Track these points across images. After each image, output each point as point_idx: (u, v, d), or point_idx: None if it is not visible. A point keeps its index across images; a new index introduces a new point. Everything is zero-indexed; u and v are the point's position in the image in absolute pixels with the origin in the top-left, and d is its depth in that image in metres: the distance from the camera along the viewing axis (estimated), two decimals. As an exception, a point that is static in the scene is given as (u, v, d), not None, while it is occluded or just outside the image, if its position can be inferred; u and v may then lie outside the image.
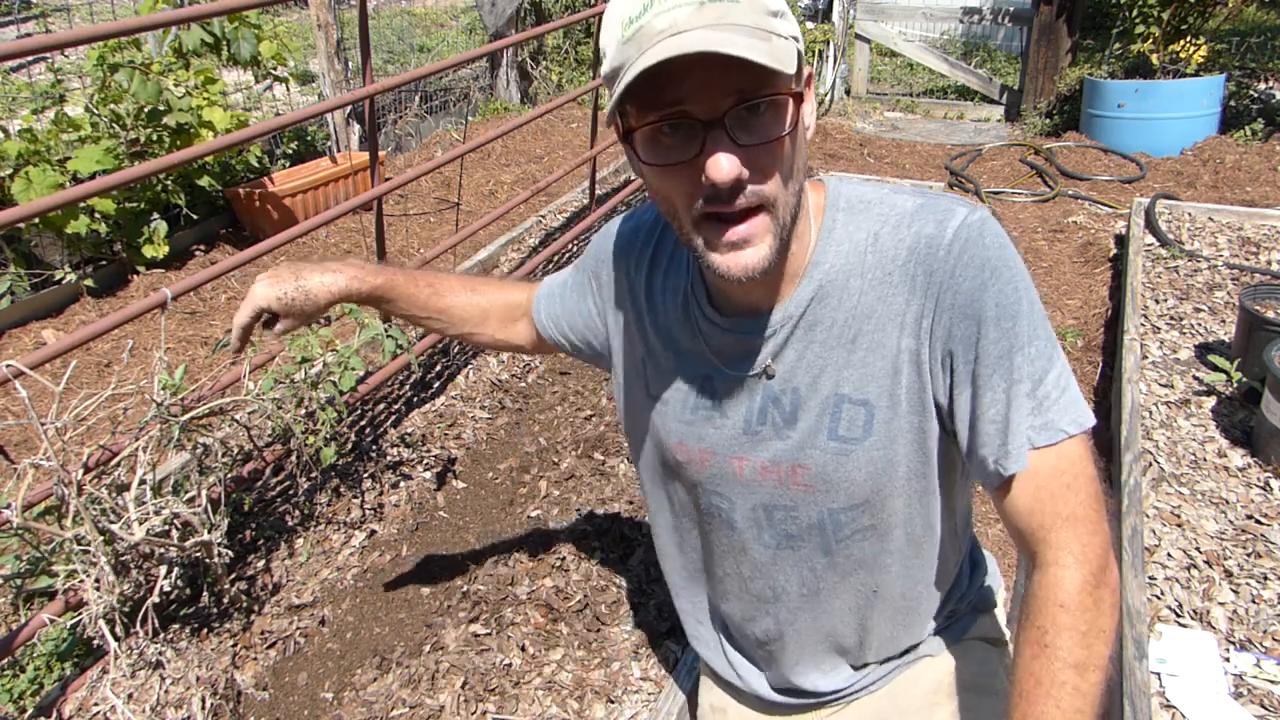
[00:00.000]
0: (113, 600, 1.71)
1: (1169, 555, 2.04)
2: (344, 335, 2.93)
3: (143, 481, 1.82)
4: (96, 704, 1.88)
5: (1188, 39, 5.18)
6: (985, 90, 6.68)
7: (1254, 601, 1.90)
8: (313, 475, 2.30)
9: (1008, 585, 2.17)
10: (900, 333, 0.96)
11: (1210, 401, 2.61)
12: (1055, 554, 0.89)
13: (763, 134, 0.83)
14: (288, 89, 5.53)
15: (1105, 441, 2.66)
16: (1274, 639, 1.81)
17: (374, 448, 2.70)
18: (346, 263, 1.28)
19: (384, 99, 6.01)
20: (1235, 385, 2.60)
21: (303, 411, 2.18)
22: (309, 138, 5.22)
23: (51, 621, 1.84)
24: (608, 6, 0.87)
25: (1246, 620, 1.86)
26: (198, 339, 3.56)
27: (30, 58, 5.32)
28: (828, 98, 6.67)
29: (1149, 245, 3.69)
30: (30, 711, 1.86)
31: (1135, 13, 5.23)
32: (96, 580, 1.70)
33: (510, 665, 1.92)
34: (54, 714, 1.86)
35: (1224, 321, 3.06)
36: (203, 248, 4.33)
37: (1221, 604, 1.90)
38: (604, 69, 0.87)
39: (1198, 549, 2.05)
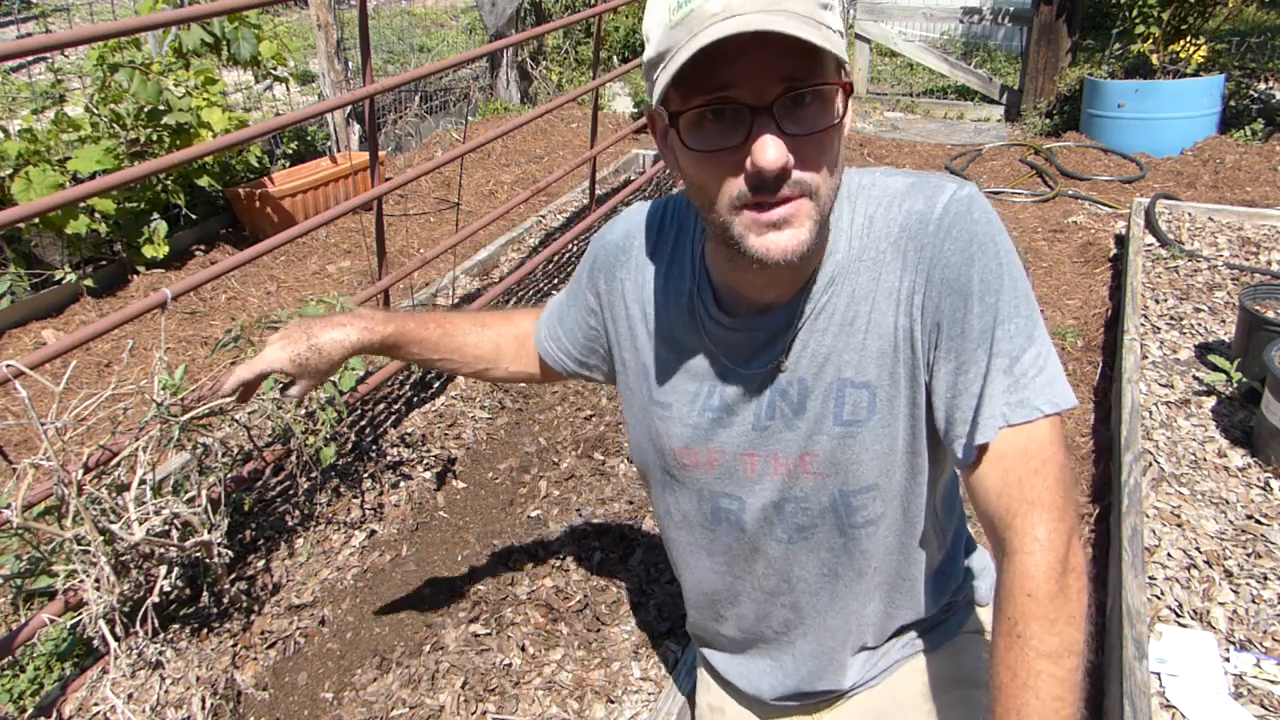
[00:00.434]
0: (113, 600, 1.71)
1: (1169, 555, 2.04)
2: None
3: (143, 481, 1.82)
4: (96, 704, 1.88)
5: (1188, 39, 5.18)
6: (985, 90, 6.68)
7: (1254, 601, 1.90)
8: (313, 475, 2.30)
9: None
10: (895, 311, 0.96)
11: (1210, 401, 2.61)
12: (1021, 540, 0.88)
13: (810, 124, 0.83)
14: (288, 89, 5.53)
15: (1105, 441, 2.66)
16: (1274, 639, 1.81)
17: (374, 448, 2.70)
18: (357, 314, 1.27)
19: (384, 99, 6.01)
20: (1235, 385, 2.60)
21: (303, 411, 2.19)
22: (309, 138, 5.23)
23: (51, 621, 1.84)
24: None
25: (1246, 620, 1.86)
26: (198, 339, 3.56)
27: (30, 58, 5.32)
28: (828, 98, 6.68)
29: (1149, 245, 3.69)
30: (30, 711, 1.86)
31: (1135, 13, 5.23)
32: (96, 580, 1.70)
33: (510, 665, 1.92)
34: (54, 714, 1.86)
35: (1224, 321, 3.06)
36: (203, 248, 4.33)
37: (1221, 604, 1.90)
38: (647, 54, 0.86)
39: (1198, 549, 2.05)
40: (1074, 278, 3.82)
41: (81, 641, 1.98)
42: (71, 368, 2.17)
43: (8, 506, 1.66)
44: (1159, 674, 1.73)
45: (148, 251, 3.98)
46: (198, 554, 1.92)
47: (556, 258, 4.11)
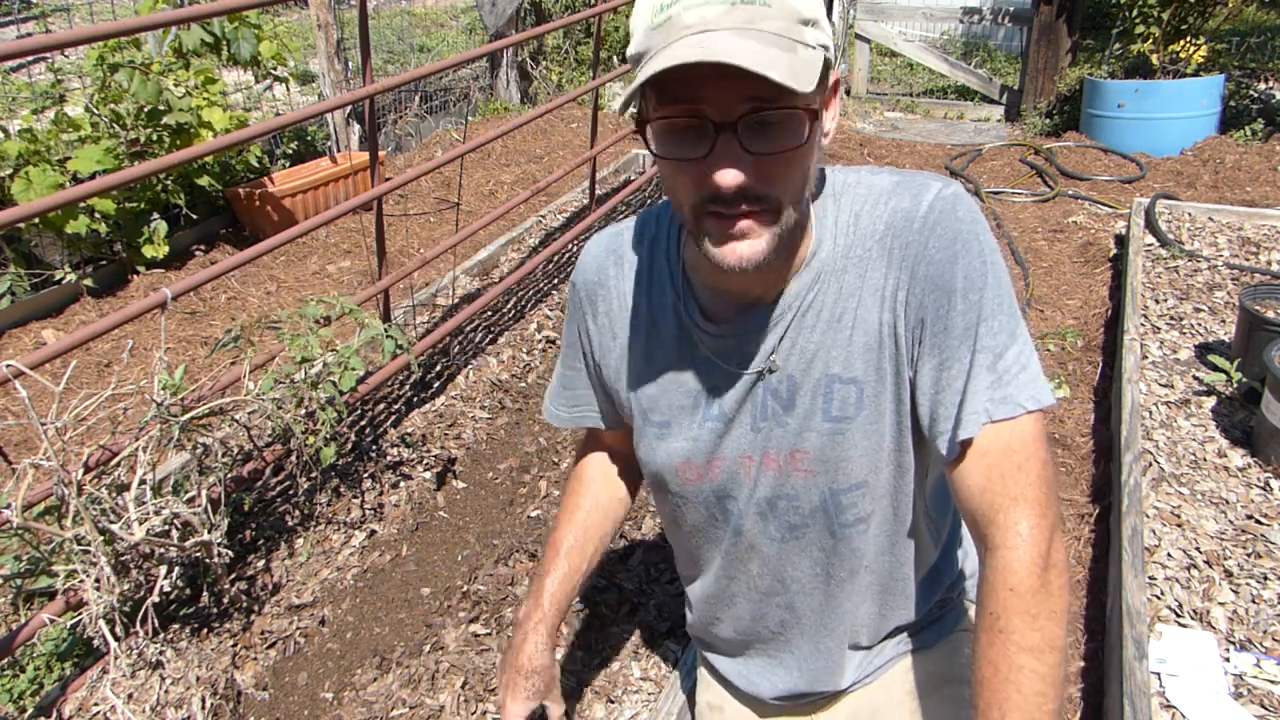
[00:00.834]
0: (113, 600, 1.71)
1: (1169, 555, 2.04)
2: (344, 335, 2.93)
3: (143, 481, 1.82)
4: (96, 704, 1.88)
5: (1188, 39, 5.17)
6: (985, 90, 6.68)
7: (1254, 601, 1.90)
8: (313, 475, 2.30)
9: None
10: (880, 307, 0.97)
11: (1210, 401, 2.61)
12: (1003, 536, 0.89)
13: (773, 144, 0.84)
14: (288, 89, 5.53)
15: (1105, 441, 2.66)
16: (1274, 639, 1.81)
17: (374, 448, 2.70)
18: (526, 614, 1.24)
19: (384, 99, 6.01)
20: (1235, 385, 2.60)
21: (303, 411, 2.18)
22: (309, 138, 5.23)
23: (51, 621, 1.84)
24: None
25: (1246, 620, 1.86)
26: (198, 339, 3.56)
27: (30, 58, 5.32)
28: (828, 98, 6.67)
29: (1149, 245, 3.69)
30: (30, 711, 1.86)
31: (1135, 13, 5.23)
32: (96, 580, 1.70)
33: (510, 665, 1.92)
34: (54, 714, 1.86)
35: (1224, 321, 3.06)
36: (203, 248, 4.33)
37: (1221, 604, 1.90)
38: (630, 49, 0.87)
39: (1198, 549, 2.05)
40: (1074, 278, 3.82)
41: (81, 641, 1.98)
42: (71, 368, 2.17)
43: (8, 506, 1.66)
44: (1159, 674, 1.73)
45: (148, 251, 3.98)
46: (198, 554, 1.92)
47: (556, 258, 4.11)
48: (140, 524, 1.76)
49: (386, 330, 2.42)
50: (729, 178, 0.82)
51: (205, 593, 2.08)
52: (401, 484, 2.57)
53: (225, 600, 2.11)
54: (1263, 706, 1.66)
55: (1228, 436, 2.45)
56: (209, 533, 1.89)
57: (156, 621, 1.83)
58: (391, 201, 4.81)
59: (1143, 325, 3.04)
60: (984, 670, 0.87)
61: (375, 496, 2.52)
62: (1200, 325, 3.05)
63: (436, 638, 2.00)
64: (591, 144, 4.01)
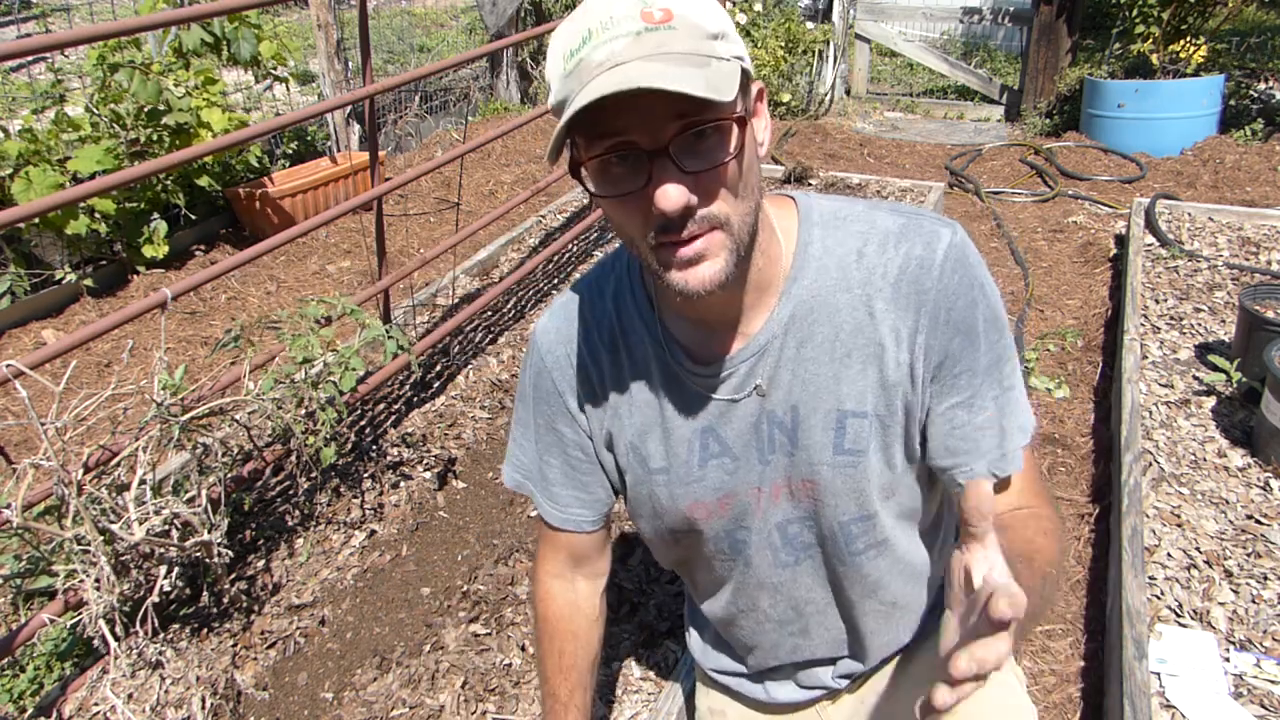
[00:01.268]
0: (113, 600, 1.71)
1: (1169, 555, 2.04)
2: (344, 335, 2.93)
3: (143, 481, 1.82)
4: (96, 704, 1.88)
5: (1188, 39, 5.17)
6: (985, 90, 6.68)
7: (1254, 601, 1.90)
8: (313, 475, 2.30)
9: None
10: (897, 347, 0.98)
11: (1210, 401, 2.61)
12: (1035, 519, 1.00)
13: (709, 159, 0.83)
14: (288, 89, 5.53)
15: (1105, 441, 2.66)
16: (1274, 639, 1.81)
17: (374, 448, 2.70)
18: None
19: (384, 99, 6.01)
20: (1235, 385, 2.60)
21: (303, 411, 2.18)
22: (309, 138, 5.22)
23: (51, 621, 1.84)
24: (552, 37, 0.86)
25: (1246, 620, 1.86)
26: (198, 339, 3.56)
27: (30, 58, 5.32)
28: (828, 98, 6.67)
29: (1149, 245, 3.69)
30: (30, 711, 1.86)
31: (1135, 13, 5.23)
32: (96, 580, 1.70)
33: (510, 665, 1.92)
34: (54, 714, 1.86)
35: (1224, 321, 3.06)
36: (203, 248, 4.33)
37: (1221, 604, 1.90)
38: (550, 101, 0.86)
39: (1198, 549, 2.05)
40: (1074, 278, 3.82)
41: (81, 641, 1.98)
42: (71, 368, 2.17)
43: (8, 506, 1.66)
44: (1159, 674, 1.73)
45: (148, 251, 3.98)
46: (198, 554, 1.92)
47: (556, 258, 4.11)
48: (140, 524, 1.76)
49: (388, 331, 2.42)
50: (672, 197, 0.81)
51: (205, 593, 2.08)
52: (401, 484, 2.57)
53: (225, 600, 2.11)
54: (1263, 706, 1.66)
55: (1228, 436, 2.45)
56: (209, 533, 1.89)
57: (156, 621, 1.83)
58: (391, 201, 4.81)
59: (1143, 325, 3.04)
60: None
61: (375, 496, 2.52)
62: (1200, 325, 3.05)
63: (436, 638, 2.00)
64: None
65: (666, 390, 1.06)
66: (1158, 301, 3.24)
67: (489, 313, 3.64)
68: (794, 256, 1.00)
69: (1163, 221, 3.88)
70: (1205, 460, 2.36)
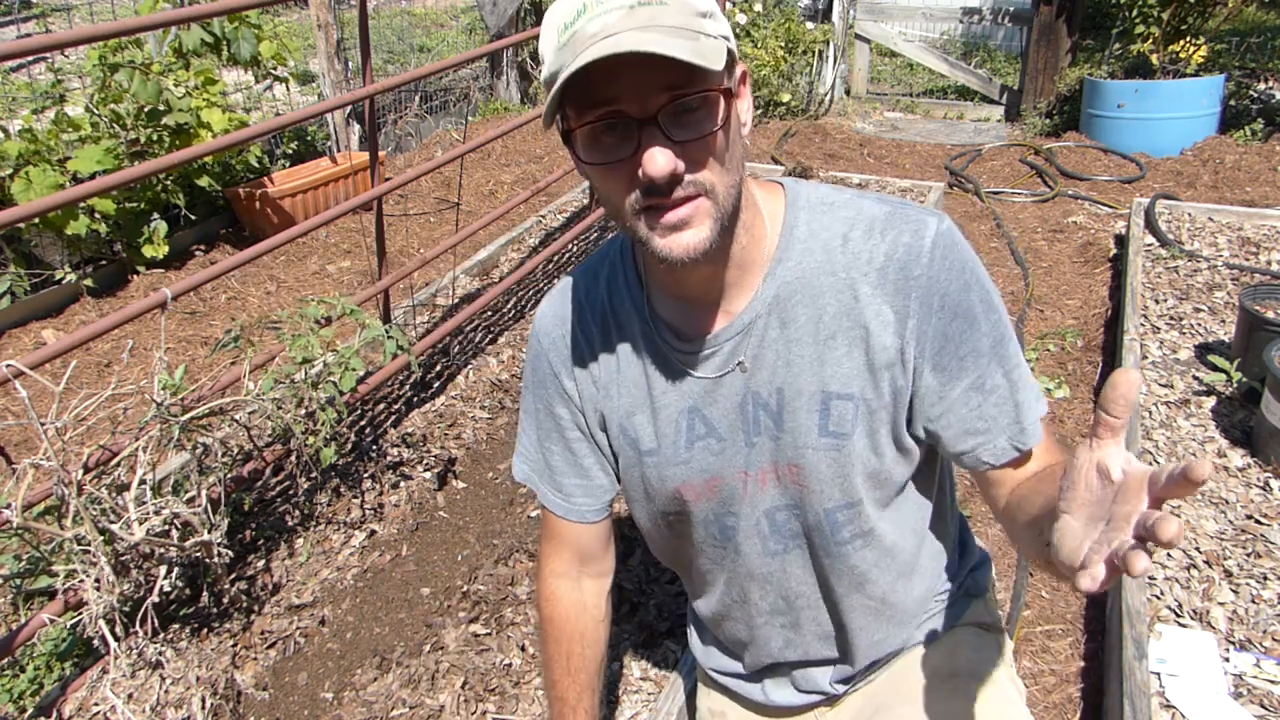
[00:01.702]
0: (113, 600, 1.71)
1: (1169, 555, 2.04)
2: (344, 335, 2.93)
3: (143, 481, 1.82)
4: (96, 704, 1.88)
5: (1188, 39, 5.17)
6: (985, 90, 6.68)
7: (1254, 601, 1.90)
8: (313, 475, 2.30)
9: (1006, 586, 2.17)
10: (883, 331, 0.99)
11: (1210, 401, 2.61)
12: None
13: (696, 129, 0.86)
14: (288, 89, 5.53)
15: (1105, 441, 2.66)
16: (1274, 639, 1.81)
17: (374, 448, 2.70)
18: None
19: (384, 99, 6.01)
20: (1235, 385, 2.60)
21: (303, 411, 2.18)
22: (309, 138, 5.22)
23: (51, 621, 1.84)
24: (546, 14, 0.89)
25: (1246, 620, 1.86)
26: (198, 339, 3.56)
27: (30, 58, 5.32)
28: (828, 98, 6.67)
29: (1149, 245, 3.69)
30: (30, 711, 1.86)
31: (1135, 13, 5.23)
32: (96, 580, 1.70)
33: (510, 665, 1.92)
34: (54, 714, 1.86)
35: (1224, 321, 3.06)
36: (203, 248, 4.33)
37: (1221, 604, 1.90)
38: (543, 74, 0.89)
39: (1198, 549, 2.05)
40: (1074, 278, 3.82)
41: (81, 641, 1.98)
42: (71, 368, 2.17)
43: (8, 506, 1.66)
44: (1159, 674, 1.73)
45: (148, 251, 3.98)
46: (198, 554, 1.92)
47: (556, 258, 4.11)
48: (140, 524, 1.76)
49: (387, 331, 2.42)
50: (659, 163, 0.84)
51: (205, 593, 2.08)
52: (401, 484, 2.57)
53: (225, 600, 2.11)
54: (1263, 706, 1.66)
55: (1228, 436, 2.45)
56: (209, 533, 1.89)
57: (156, 621, 1.83)
58: (391, 201, 4.81)
59: (1143, 325, 3.04)
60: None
61: (375, 496, 2.52)
62: (1200, 325, 3.05)
63: (436, 638, 2.00)
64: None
65: (654, 368, 1.08)
66: (1158, 301, 3.25)
67: (489, 313, 3.64)
68: (780, 238, 1.02)
69: (1163, 221, 3.88)
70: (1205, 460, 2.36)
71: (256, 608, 2.13)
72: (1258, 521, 2.12)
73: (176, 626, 2.04)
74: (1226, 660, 1.76)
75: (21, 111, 4.80)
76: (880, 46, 7.25)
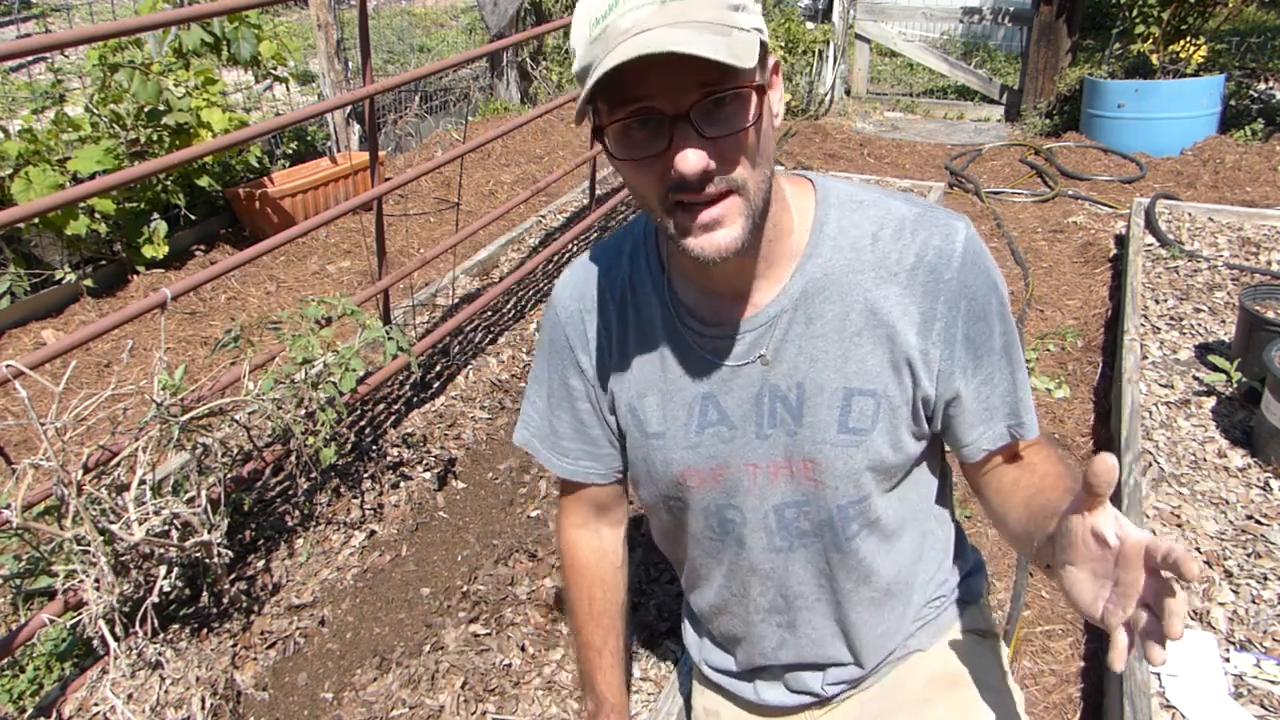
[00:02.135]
0: (113, 600, 1.71)
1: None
2: (344, 336, 2.93)
3: (143, 481, 1.82)
4: (96, 704, 1.88)
5: (1188, 39, 5.17)
6: (985, 90, 6.68)
7: (1254, 602, 1.90)
8: (313, 475, 2.30)
9: (1006, 586, 2.17)
10: (909, 330, 1.01)
11: (1210, 401, 2.61)
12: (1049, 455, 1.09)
13: (728, 125, 0.85)
14: (288, 89, 5.53)
15: (1105, 441, 2.66)
16: (1274, 639, 1.81)
17: (374, 448, 2.70)
18: (594, 711, 1.33)
19: (384, 99, 6.01)
20: (1235, 385, 2.60)
21: (303, 412, 2.18)
22: (309, 138, 5.22)
23: (51, 621, 1.84)
24: (577, 6, 0.88)
25: (1246, 620, 1.86)
26: (198, 339, 3.56)
27: (30, 58, 5.32)
28: (828, 98, 6.67)
29: (1149, 245, 3.69)
30: (30, 711, 1.86)
31: (1135, 13, 5.23)
32: (96, 580, 1.70)
33: (510, 665, 1.92)
34: (54, 714, 1.86)
35: (1224, 321, 3.06)
36: (203, 248, 4.33)
37: (1221, 604, 1.90)
38: (574, 68, 0.89)
39: (1198, 549, 2.05)
40: (1074, 278, 3.82)
41: (81, 641, 1.98)
42: (71, 368, 2.17)
43: (8, 506, 1.66)
44: (1159, 674, 1.73)
45: (148, 251, 3.98)
46: (198, 554, 1.92)
47: (556, 258, 4.11)
48: (140, 524, 1.76)
49: (388, 331, 2.42)
50: (691, 161, 0.84)
51: (205, 593, 2.08)
52: (401, 484, 2.57)
53: (225, 600, 2.11)
54: (1263, 706, 1.66)
55: (1228, 436, 2.45)
56: (209, 533, 1.89)
57: (156, 621, 1.83)
58: (391, 201, 4.81)
59: (1143, 325, 3.04)
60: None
61: (375, 497, 2.52)
62: (1200, 325, 3.05)
63: (436, 638, 2.00)
64: (591, 144, 4.01)
65: (671, 352, 1.08)
66: (1158, 301, 3.24)
67: (489, 313, 3.64)
68: (810, 234, 1.02)
69: (1163, 221, 3.88)
70: (1205, 460, 2.36)
71: (256, 608, 2.13)
72: (1258, 522, 2.12)
73: (176, 626, 2.04)
74: (1227, 660, 1.76)
75: (21, 111, 4.80)
76: (880, 46, 7.25)
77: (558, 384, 1.19)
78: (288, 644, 2.04)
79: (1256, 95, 5.56)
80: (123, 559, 1.81)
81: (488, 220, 3.20)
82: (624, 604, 1.33)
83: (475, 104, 6.75)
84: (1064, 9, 5.94)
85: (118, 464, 1.86)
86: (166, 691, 1.87)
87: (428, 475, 2.61)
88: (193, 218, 4.22)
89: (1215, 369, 2.70)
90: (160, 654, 1.87)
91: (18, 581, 1.90)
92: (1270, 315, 2.60)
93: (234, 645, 2.02)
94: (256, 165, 4.58)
